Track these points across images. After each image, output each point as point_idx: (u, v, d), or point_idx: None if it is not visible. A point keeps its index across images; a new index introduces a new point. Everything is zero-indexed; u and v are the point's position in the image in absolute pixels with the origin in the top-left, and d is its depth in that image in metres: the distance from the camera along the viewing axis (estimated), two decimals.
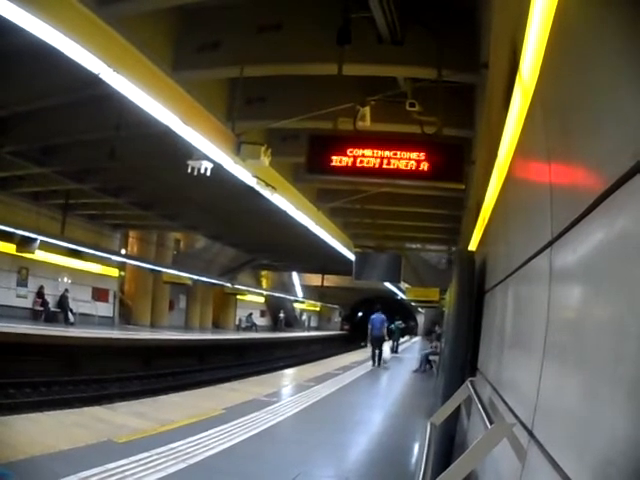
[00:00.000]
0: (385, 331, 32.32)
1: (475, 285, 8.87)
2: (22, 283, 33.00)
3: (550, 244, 3.17)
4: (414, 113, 10.57)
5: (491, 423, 3.91)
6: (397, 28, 9.51)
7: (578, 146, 2.73)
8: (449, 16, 9.77)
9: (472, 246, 12.15)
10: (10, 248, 30.09)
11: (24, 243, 29.64)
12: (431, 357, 29.12)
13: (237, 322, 63.28)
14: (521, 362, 4.27)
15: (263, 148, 11.57)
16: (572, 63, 2.84)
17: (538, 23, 3.36)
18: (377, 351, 30.60)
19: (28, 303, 33.22)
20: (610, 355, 2.03)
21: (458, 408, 7.19)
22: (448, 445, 8.23)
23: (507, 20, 5.37)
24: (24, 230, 28.42)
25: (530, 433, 3.31)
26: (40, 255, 31.81)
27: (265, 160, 11.68)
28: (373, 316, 31.45)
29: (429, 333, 40.74)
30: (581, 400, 2.40)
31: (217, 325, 58.50)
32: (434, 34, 9.64)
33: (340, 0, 9.61)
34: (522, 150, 4.67)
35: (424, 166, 8.91)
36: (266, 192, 15.22)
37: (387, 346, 37.03)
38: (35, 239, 29.32)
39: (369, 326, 30.57)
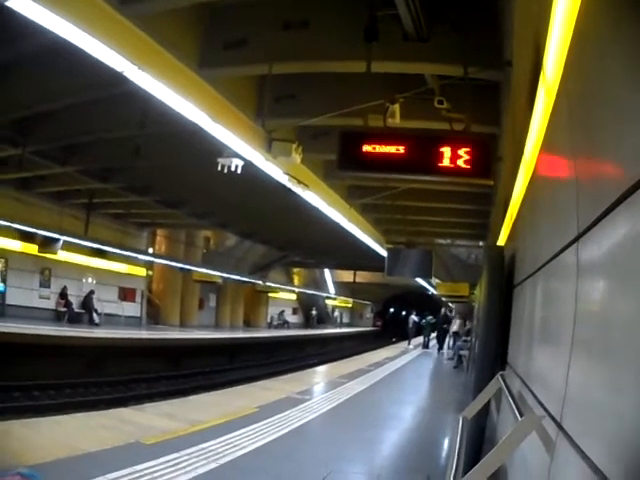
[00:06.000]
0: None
1: (504, 279, 8.87)
2: (45, 284, 32.73)
3: (577, 239, 3.19)
4: (443, 110, 10.57)
5: (521, 416, 3.94)
6: (422, 25, 9.50)
7: (603, 142, 2.75)
8: (473, 13, 9.72)
9: (501, 241, 12.12)
10: (32, 249, 29.95)
11: (46, 243, 29.43)
12: (461, 352, 29.05)
13: (269, 320, 63.18)
14: (550, 355, 4.28)
15: (294, 145, 11.60)
16: (596, 60, 2.86)
17: (561, 20, 3.36)
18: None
19: (51, 304, 32.95)
20: (637, 348, 2.06)
21: (488, 402, 7.22)
22: (479, 439, 8.25)
23: (530, 17, 5.37)
24: (46, 230, 28.34)
25: (559, 425, 3.32)
26: (63, 255, 31.60)
27: (297, 157, 11.71)
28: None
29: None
30: (609, 392, 2.42)
31: (248, 323, 58.44)
32: (459, 31, 9.62)
33: None
34: (548, 146, 4.69)
35: (453, 162, 8.94)
36: (298, 189, 15.24)
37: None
38: (58, 239, 29.13)
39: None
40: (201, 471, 8.29)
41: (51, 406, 18.71)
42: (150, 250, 42.07)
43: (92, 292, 35.19)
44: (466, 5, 9.75)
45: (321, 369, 28.22)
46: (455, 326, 37.25)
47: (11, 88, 14.70)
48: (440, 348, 38.77)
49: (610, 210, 2.44)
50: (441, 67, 10.53)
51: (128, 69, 8.97)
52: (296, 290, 68.69)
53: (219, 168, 13.29)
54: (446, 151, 8.94)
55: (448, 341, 38.06)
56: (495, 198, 16.52)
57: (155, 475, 7.91)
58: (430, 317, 43.03)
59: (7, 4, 7.14)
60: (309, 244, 43.12)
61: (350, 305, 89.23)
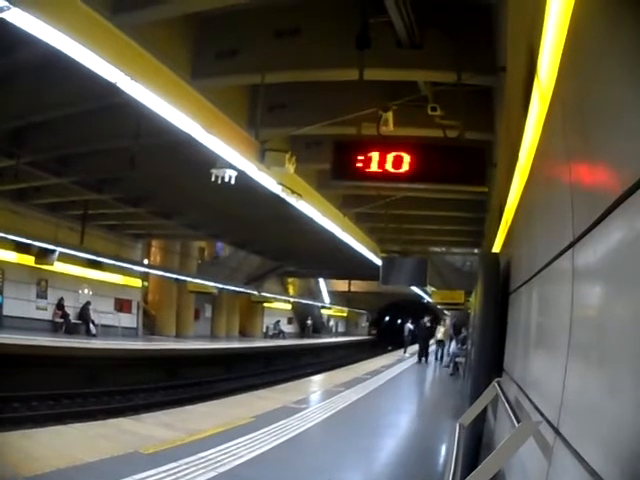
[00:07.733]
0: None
1: (500, 286, 8.87)
2: (42, 295, 32.78)
3: (572, 245, 3.19)
4: (436, 117, 10.58)
5: (518, 422, 3.94)
6: (415, 32, 9.50)
7: (598, 147, 2.75)
8: (466, 19, 9.73)
9: (496, 248, 12.12)
10: (29, 260, 30.01)
11: (43, 255, 29.61)
12: (457, 359, 29.06)
13: (264, 330, 63.12)
14: (546, 361, 4.29)
15: (287, 155, 11.54)
16: (590, 64, 2.86)
17: (555, 24, 3.37)
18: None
19: (48, 315, 33.03)
20: (633, 352, 2.06)
21: (485, 408, 7.21)
22: (476, 445, 8.23)
23: (523, 22, 5.38)
24: (42, 242, 28.53)
25: (556, 431, 3.32)
26: (59, 267, 31.69)
27: (290, 167, 11.64)
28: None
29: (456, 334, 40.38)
30: (606, 397, 2.41)
31: (244, 333, 58.29)
32: (452, 37, 9.63)
33: (357, 4, 9.65)
34: (542, 152, 4.69)
35: (447, 170, 8.96)
36: (291, 199, 15.19)
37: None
38: (54, 250, 29.29)
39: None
40: None
41: (50, 416, 18.60)
42: (145, 261, 42.03)
43: (88, 303, 35.13)
44: (459, 11, 9.75)
45: (317, 378, 28.07)
46: (440, 334, 37.05)
47: (5, 98, 14.66)
48: (420, 357, 37.86)
49: (605, 215, 2.44)
50: (434, 74, 10.54)
51: (121, 80, 8.94)
52: (291, 300, 68.54)
53: (213, 179, 13.25)
54: (440, 158, 8.97)
55: (439, 351, 37.48)
56: (490, 205, 16.53)
57: None
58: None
59: (1, 15, 7.13)
60: (304, 254, 43.06)
61: (345, 314, 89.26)
